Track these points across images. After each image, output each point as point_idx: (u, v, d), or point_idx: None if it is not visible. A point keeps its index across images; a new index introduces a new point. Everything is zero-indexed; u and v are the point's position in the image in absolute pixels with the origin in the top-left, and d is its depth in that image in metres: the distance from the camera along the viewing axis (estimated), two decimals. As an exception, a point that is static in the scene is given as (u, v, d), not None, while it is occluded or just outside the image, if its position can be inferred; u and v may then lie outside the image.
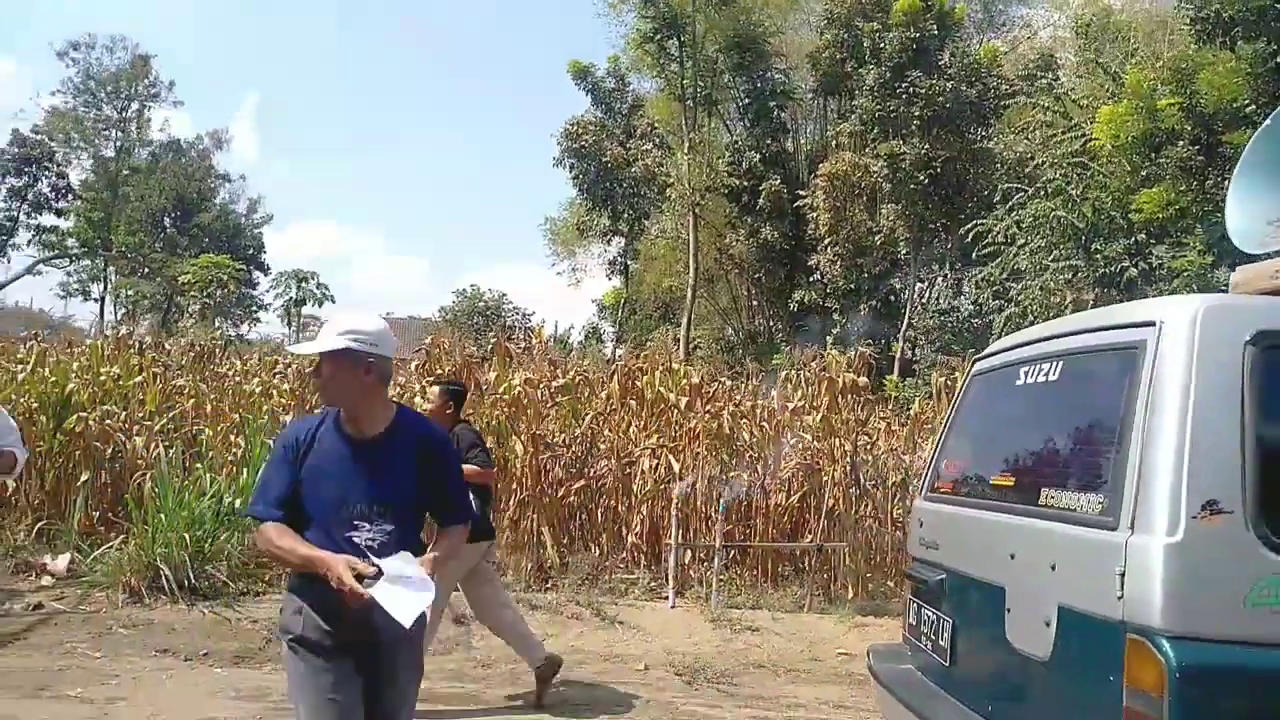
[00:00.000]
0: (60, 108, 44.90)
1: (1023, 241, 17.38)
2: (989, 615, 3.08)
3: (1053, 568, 2.79)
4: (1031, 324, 15.92)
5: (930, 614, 3.66)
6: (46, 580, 7.76)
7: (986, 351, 4.00)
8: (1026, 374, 3.36)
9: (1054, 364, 3.20)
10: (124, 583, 7.36)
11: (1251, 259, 3.41)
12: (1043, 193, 16.87)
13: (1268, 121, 3.57)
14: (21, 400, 9.16)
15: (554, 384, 9.91)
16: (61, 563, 7.95)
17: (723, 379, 11.47)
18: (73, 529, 8.34)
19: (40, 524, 8.50)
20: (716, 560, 8.46)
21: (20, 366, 9.94)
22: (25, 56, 76.64)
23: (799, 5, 31.06)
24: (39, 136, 44.10)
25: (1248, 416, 2.48)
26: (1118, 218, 15.89)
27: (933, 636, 3.61)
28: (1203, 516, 2.40)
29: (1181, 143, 15.01)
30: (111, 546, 7.79)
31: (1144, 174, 15.59)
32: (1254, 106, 13.63)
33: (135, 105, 46.28)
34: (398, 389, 10.22)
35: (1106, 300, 15.19)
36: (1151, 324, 2.69)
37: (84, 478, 8.79)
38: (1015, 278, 18.08)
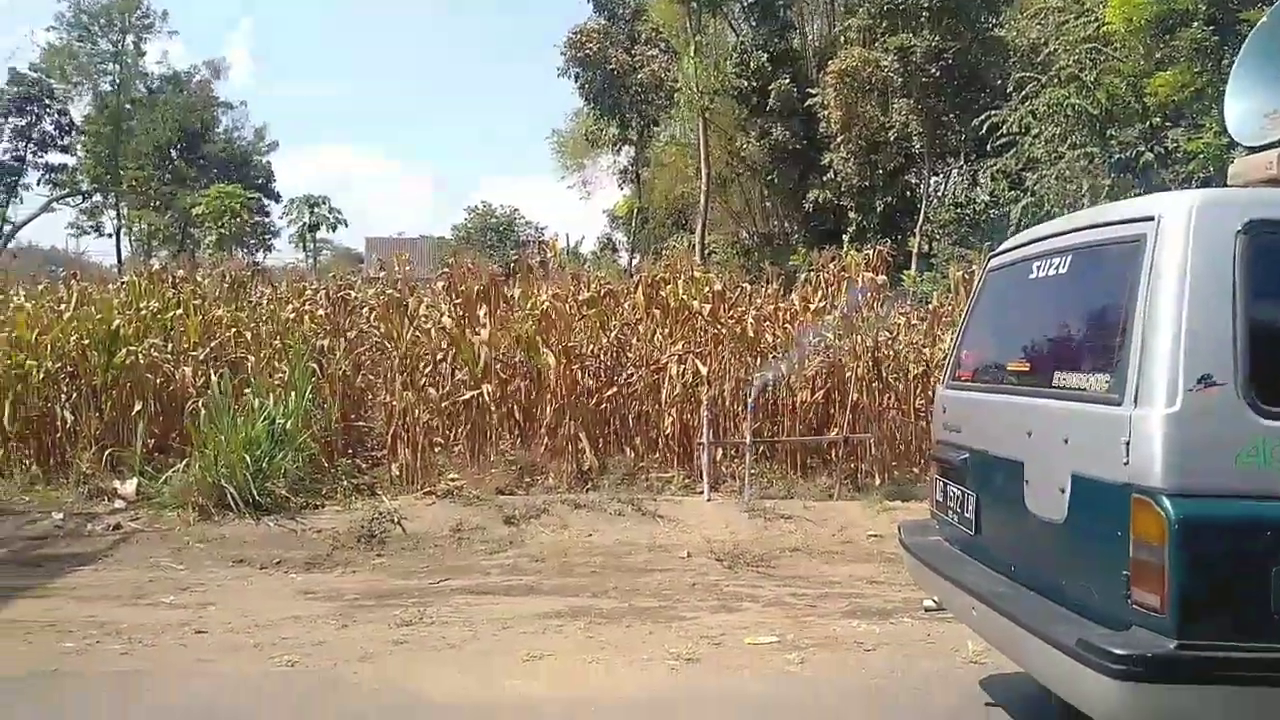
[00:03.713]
0: (55, 44, 44.32)
1: (1037, 130, 17.25)
2: (1009, 487, 3.43)
3: (1066, 441, 3.13)
4: (1049, 213, 16.01)
5: (955, 490, 4.02)
6: (119, 504, 8.28)
7: (1001, 248, 4.26)
8: (1039, 268, 3.65)
9: (1064, 258, 3.48)
10: (193, 502, 7.89)
11: (1251, 150, 3.63)
12: (1056, 80, 16.66)
13: (1265, 17, 3.74)
14: (73, 337, 9.54)
15: (580, 297, 10.19)
16: (130, 487, 8.46)
17: (743, 284, 11.71)
18: (137, 455, 8.83)
19: (106, 453, 8.97)
20: (747, 455, 8.89)
21: (64, 306, 10.29)
22: (15, -10, 74.87)
23: (802, -106, 30.12)
24: (37, 74, 43.64)
25: (1239, 299, 2.77)
26: (1132, 102, 15.75)
27: (958, 510, 3.98)
28: (1198, 389, 2.71)
29: (1196, 23, 14.77)
30: (176, 470, 8.29)
31: (1158, 57, 15.40)
32: (1270, -20, 13.41)
33: (130, 37, 45.61)
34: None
35: (1123, 186, 15.18)
36: (1151, 218, 2.96)
37: (138, 408, 9.26)
38: (1031, 167, 18.00)
